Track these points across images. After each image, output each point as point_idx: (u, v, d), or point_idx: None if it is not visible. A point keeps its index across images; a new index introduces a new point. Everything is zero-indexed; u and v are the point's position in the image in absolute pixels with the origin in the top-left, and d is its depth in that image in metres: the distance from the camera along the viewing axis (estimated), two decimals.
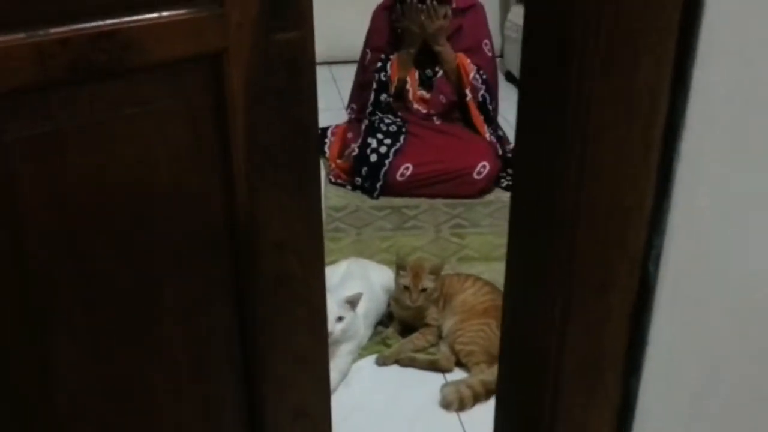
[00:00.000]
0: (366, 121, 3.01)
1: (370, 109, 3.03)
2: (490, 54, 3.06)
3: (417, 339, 2.04)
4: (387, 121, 2.99)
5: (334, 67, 3.98)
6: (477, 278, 2.12)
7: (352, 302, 1.94)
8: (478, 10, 3.07)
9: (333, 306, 1.90)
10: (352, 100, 3.21)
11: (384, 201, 2.79)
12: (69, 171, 0.83)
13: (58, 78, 0.78)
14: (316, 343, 1.11)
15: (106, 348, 0.93)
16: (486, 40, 3.05)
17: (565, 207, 0.89)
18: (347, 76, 3.45)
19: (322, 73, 4.26)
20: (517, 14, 3.84)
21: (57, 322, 0.88)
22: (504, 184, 2.87)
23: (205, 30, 0.86)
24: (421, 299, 2.01)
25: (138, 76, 0.83)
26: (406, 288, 2.02)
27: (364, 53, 3.15)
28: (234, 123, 0.93)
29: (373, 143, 2.86)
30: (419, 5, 2.85)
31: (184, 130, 0.91)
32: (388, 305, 2.16)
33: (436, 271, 2.05)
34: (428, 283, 2.02)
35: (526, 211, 0.99)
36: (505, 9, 3.99)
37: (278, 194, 1.01)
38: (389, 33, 3.04)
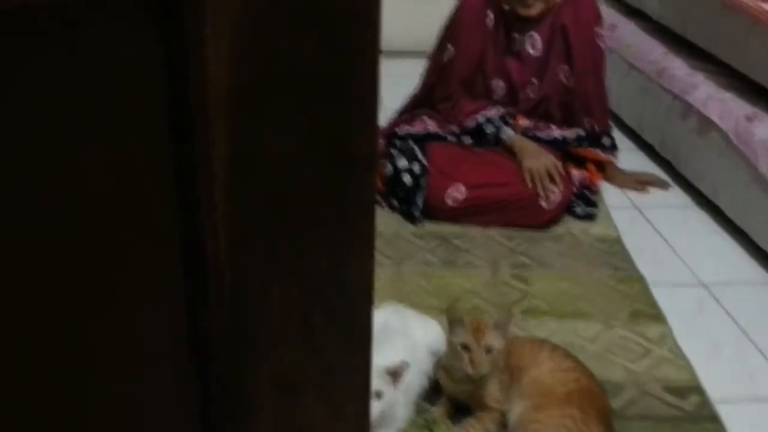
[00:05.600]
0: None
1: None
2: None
3: (472, 427, 1.53)
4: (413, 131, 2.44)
5: None
6: (554, 347, 1.61)
7: (396, 374, 1.44)
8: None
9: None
10: (413, 103, 2.53)
11: (429, 227, 2.28)
12: None
13: None
14: None
15: None
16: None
17: None
18: (386, 70, 2.93)
19: None
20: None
21: None
22: (579, 212, 2.35)
23: None
24: (486, 365, 1.49)
25: None
26: (465, 348, 1.50)
27: (442, 47, 2.45)
28: (206, 152, 0.43)
29: (403, 162, 2.32)
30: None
31: (99, 163, 0.41)
32: (435, 371, 1.65)
33: (503, 326, 1.53)
34: (494, 340, 1.51)
35: None
36: None
37: (288, 291, 0.52)
38: (485, 33, 2.39)
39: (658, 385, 1.68)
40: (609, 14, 3.17)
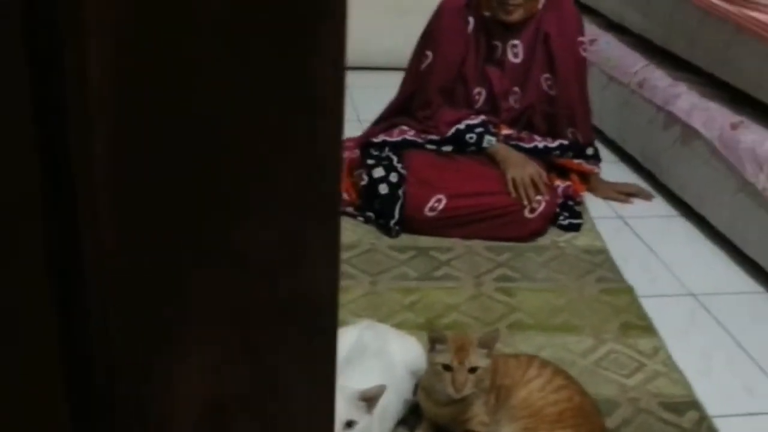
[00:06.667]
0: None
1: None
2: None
3: None
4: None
5: (350, 74, 3.38)
6: (544, 362, 1.50)
7: (371, 400, 1.32)
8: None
9: (340, 403, 1.28)
10: (390, 112, 2.42)
11: (407, 239, 2.17)
12: None
13: None
14: None
15: None
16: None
17: None
18: (363, 83, 2.85)
19: None
20: None
21: None
22: (565, 222, 2.26)
23: None
24: (469, 386, 1.38)
25: None
26: (446, 368, 1.39)
27: (420, 55, 2.34)
28: (82, 133, 0.33)
29: (380, 172, 2.23)
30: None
31: None
32: (414, 393, 1.54)
33: (488, 344, 1.41)
34: (479, 359, 1.40)
35: None
36: None
37: (216, 283, 0.41)
38: (465, 39, 2.29)
39: (653, 401, 1.58)
40: (589, 28, 3.11)
